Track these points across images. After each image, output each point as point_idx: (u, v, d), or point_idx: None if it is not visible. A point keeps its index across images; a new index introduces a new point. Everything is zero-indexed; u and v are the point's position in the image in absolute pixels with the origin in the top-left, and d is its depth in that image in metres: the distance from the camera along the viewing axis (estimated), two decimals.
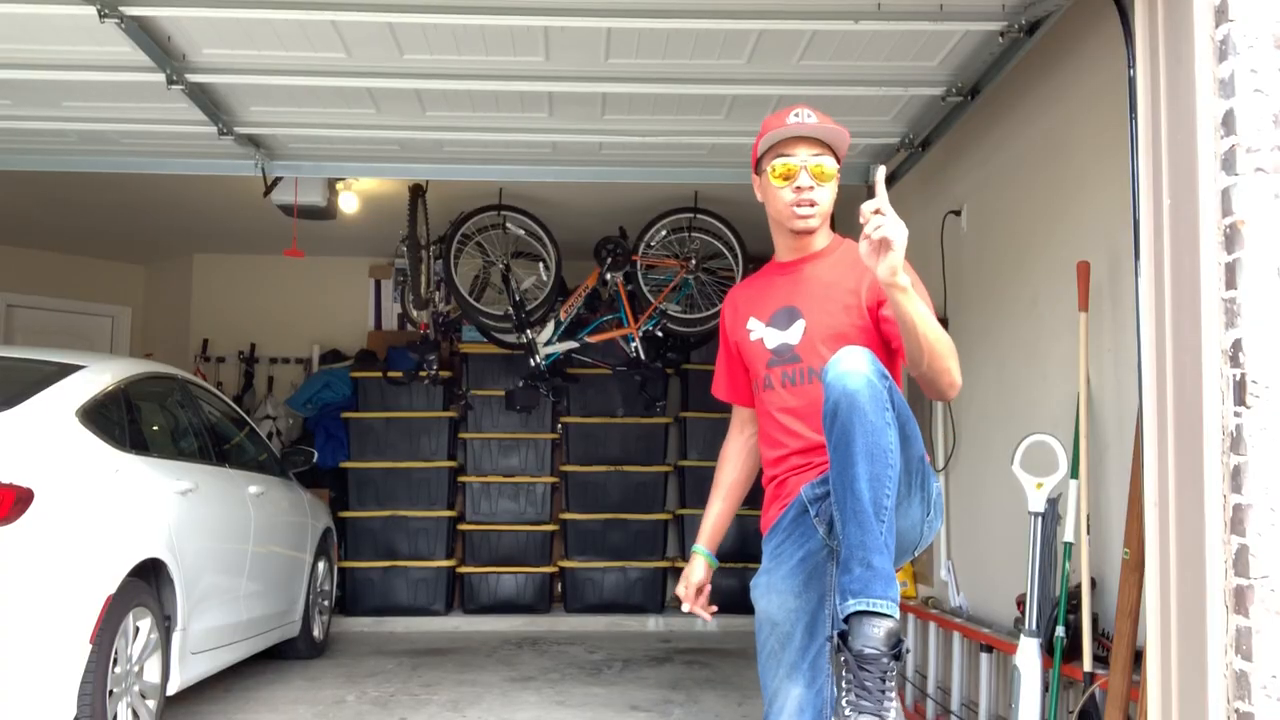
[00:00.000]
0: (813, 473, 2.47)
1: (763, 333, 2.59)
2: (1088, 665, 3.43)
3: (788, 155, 2.50)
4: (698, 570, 2.77)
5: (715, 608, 2.79)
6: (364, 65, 4.24)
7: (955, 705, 4.49)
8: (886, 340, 2.48)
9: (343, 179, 6.56)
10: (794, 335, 2.53)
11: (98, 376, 4.32)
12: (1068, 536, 3.63)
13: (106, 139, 5.18)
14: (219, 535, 4.82)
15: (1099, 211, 3.69)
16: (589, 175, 5.55)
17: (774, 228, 2.63)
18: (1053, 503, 3.71)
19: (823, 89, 4.40)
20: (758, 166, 2.60)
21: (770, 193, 2.55)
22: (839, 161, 2.56)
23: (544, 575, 7.86)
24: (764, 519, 2.66)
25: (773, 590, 2.52)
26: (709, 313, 6.86)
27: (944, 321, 5.13)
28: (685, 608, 2.75)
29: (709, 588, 2.79)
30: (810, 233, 2.56)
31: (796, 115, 2.52)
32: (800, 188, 2.49)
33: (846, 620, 2.16)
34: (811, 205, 2.50)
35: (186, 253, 9.01)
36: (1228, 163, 2.53)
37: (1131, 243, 3.07)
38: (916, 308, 2.23)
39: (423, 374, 7.51)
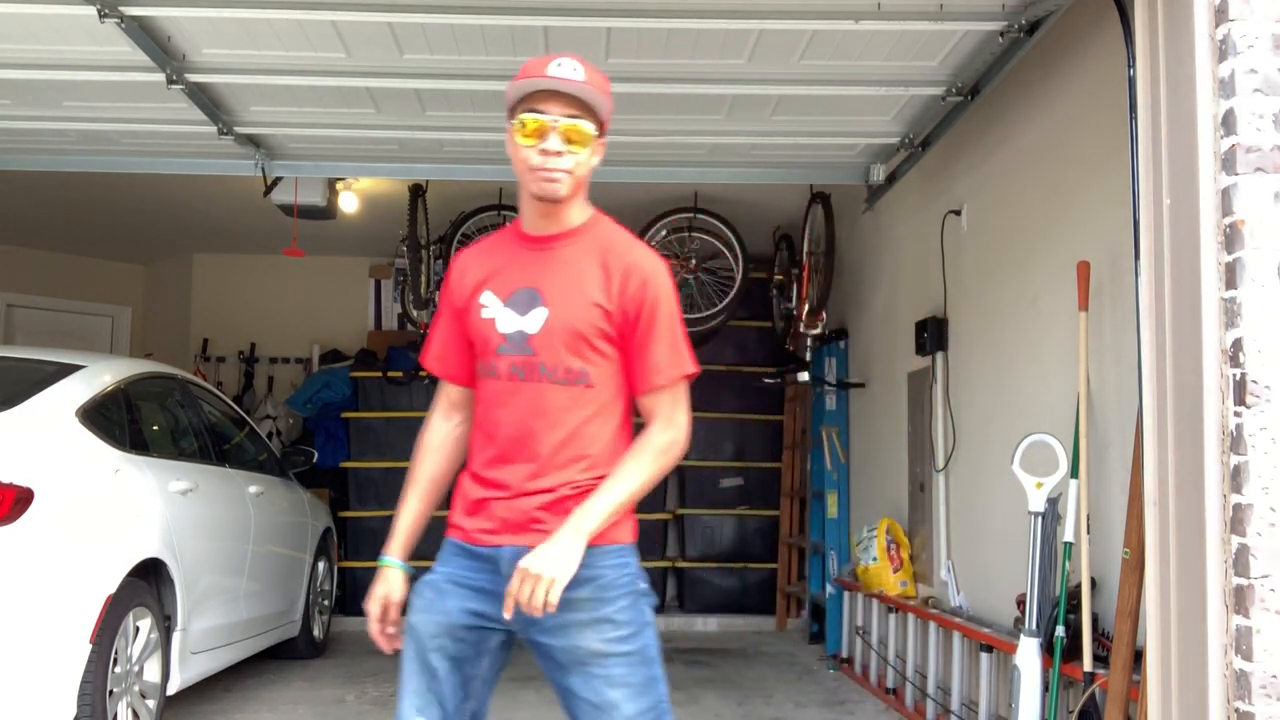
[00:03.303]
0: (520, 518, 2.17)
1: (497, 312, 2.22)
2: (1088, 665, 3.43)
3: (539, 111, 2.13)
4: (396, 585, 2.31)
5: (395, 631, 2.31)
6: (364, 65, 4.24)
7: (955, 705, 4.49)
8: (625, 368, 2.23)
9: (343, 179, 6.56)
10: (531, 324, 2.18)
11: (98, 376, 4.32)
12: (1068, 536, 3.63)
13: (106, 139, 5.17)
14: (219, 535, 4.82)
15: (1099, 211, 3.69)
16: None
17: (521, 190, 2.23)
18: (1053, 502, 3.71)
19: (823, 89, 4.40)
20: (510, 115, 2.20)
21: (516, 150, 2.17)
22: (602, 128, 2.21)
23: None
24: (456, 520, 2.30)
25: (435, 612, 2.23)
26: (709, 312, 6.86)
27: (943, 321, 5.13)
28: (374, 629, 2.29)
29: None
30: (556, 201, 2.19)
31: (559, 66, 2.14)
32: (547, 150, 2.13)
33: None
34: (559, 171, 2.15)
35: (186, 253, 9.01)
36: (1228, 163, 2.53)
37: (1131, 243, 3.07)
38: (618, 510, 2.15)
39: (422, 374, 7.50)
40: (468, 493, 2.27)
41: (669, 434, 2.20)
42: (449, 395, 2.40)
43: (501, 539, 2.18)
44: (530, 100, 2.15)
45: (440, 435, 2.42)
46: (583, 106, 2.15)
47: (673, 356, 2.21)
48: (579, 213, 2.27)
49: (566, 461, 2.16)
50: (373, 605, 2.30)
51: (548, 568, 2.05)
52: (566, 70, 2.14)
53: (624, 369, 2.22)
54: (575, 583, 2.10)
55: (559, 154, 2.14)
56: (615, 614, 2.17)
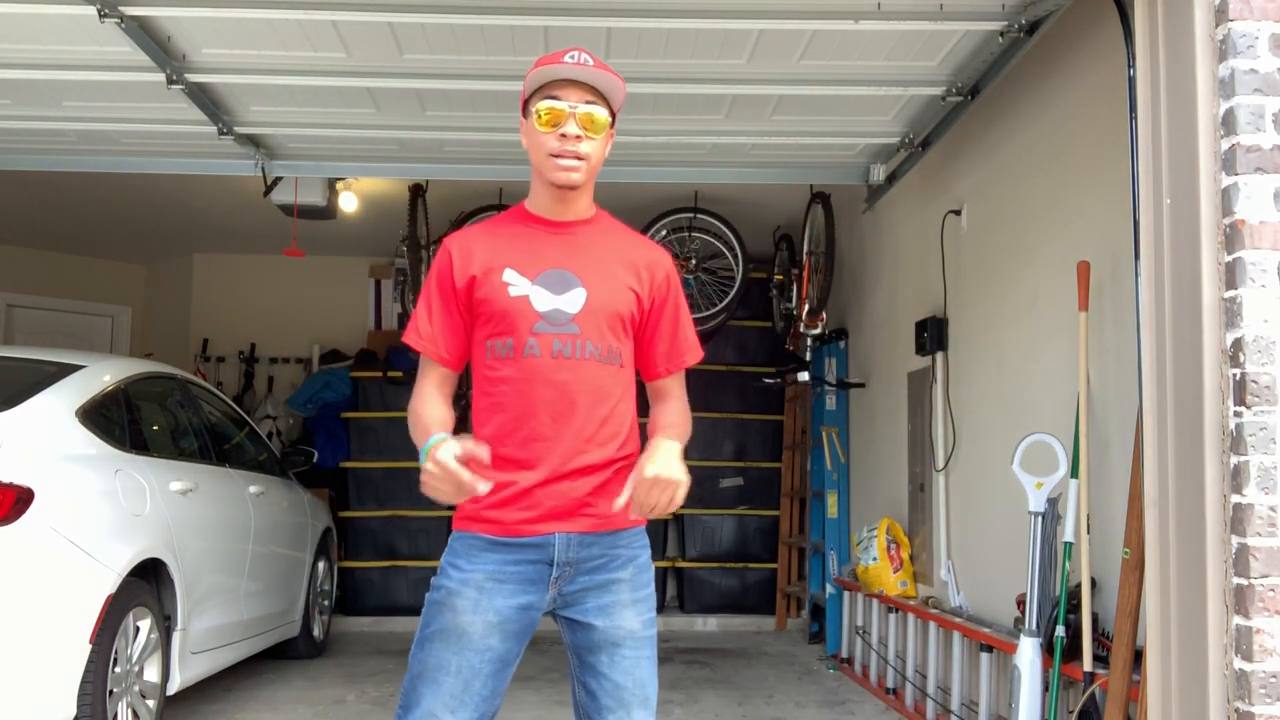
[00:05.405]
0: (568, 504, 2.21)
1: (528, 290, 2.25)
2: (1088, 665, 3.43)
3: (556, 99, 2.23)
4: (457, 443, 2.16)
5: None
6: (364, 65, 4.24)
7: (955, 705, 4.49)
8: (640, 348, 2.35)
9: (343, 179, 6.56)
10: (571, 303, 2.25)
11: (98, 376, 4.32)
12: (1068, 536, 3.63)
13: (106, 139, 5.17)
14: (219, 535, 4.82)
15: (1099, 211, 3.69)
16: None
17: (535, 178, 2.34)
18: (1053, 502, 3.71)
19: (823, 89, 4.40)
20: (525, 109, 2.31)
21: (534, 138, 2.27)
22: (614, 116, 2.31)
23: None
24: (484, 513, 2.26)
25: (482, 611, 2.25)
26: (709, 312, 6.86)
27: (943, 321, 5.14)
28: (462, 471, 2.11)
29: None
30: (573, 188, 2.29)
31: (571, 57, 2.25)
32: (566, 135, 2.22)
33: None
34: (577, 158, 2.24)
35: (186, 253, 9.01)
36: (1228, 163, 2.53)
37: (1131, 243, 3.07)
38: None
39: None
40: (506, 492, 2.23)
41: (688, 409, 2.40)
42: (440, 374, 2.39)
43: (551, 525, 2.23)
44: (547, 89, 2.25)
45: (444, 406, 2.34)
46: (597, 94, 2.26)
47: (693, 341, 2.41)
48: (589, 204, 2.38)
49: (607, 437, 2.23)
50: (460, 447, 2.12)
51: (678, 472, 2.11)
52: (580, 60, 2.25)
53: (636, 354, 2.35)
54: (619, 563, 2.25)
55: (578, 138, 2.23)
56: (648, 596, 2.29)
